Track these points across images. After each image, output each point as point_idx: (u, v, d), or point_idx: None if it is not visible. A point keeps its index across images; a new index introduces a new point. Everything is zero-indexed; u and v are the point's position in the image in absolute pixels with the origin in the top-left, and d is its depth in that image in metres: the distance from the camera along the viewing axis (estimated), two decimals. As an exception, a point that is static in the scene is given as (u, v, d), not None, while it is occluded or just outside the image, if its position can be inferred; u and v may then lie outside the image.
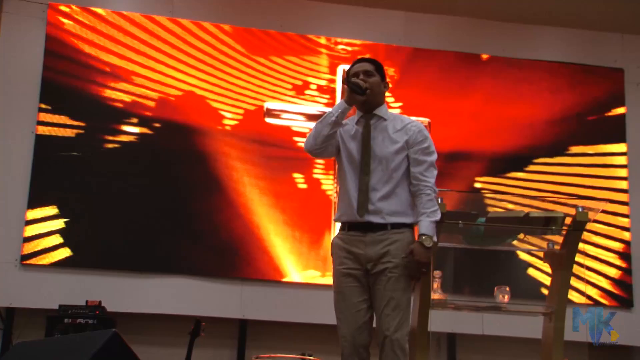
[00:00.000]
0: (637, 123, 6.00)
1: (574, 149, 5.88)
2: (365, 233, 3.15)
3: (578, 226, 3.49)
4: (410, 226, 3.19)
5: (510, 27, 6.07)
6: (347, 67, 5.70)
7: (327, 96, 5.68)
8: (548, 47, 6.09)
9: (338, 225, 3.36)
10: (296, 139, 5.57)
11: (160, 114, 5.45)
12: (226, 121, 5.53)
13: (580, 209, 3.49)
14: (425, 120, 5.63)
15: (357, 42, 5.82)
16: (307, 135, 3.31)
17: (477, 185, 5.71)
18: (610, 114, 5.99)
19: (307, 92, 5.67)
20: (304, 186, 5.49)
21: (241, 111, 5.56)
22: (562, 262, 3.55)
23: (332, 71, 5.74)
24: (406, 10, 5.94)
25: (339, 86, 5.69)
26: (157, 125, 5.43)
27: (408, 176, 3.18)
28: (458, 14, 6.02)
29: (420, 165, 3.18)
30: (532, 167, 5.83)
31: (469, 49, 5.95)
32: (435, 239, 3.11)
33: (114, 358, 2.43)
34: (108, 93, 5.39)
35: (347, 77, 3.21)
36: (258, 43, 5.69)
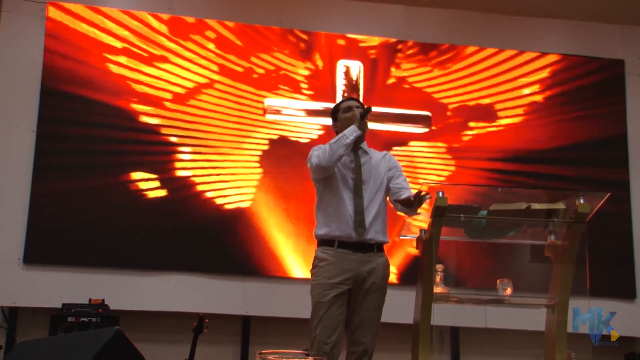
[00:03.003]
0: (637, 114, 5.99)
1: (577, 144, 5.90)
2: (355, 252, 3.53)
3: (580, 218, 3.48)
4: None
5: (510, 20, 6.06)
6: (347, 62, 5.80)
7: (327, 92, 5.68)
8: (548, 39, 6.08)
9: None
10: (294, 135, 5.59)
11: (160, 110, 5.45)
12: (226, 118, 5.53)
13: (581, 201, 3.47)
14: (427, 113, 5.65)
15: (358, 37, 5.81)
16: (315, 153, 3.59)
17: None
18: (610, 104, 5.99)
19: (306, 87, 5.66)
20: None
21: (242, 107, 5.57)
22: (565, 255, 3.54)
23: (332, 66, 5.73)
24: (406, 5, 5.94)
25: (339, 82, 5.68)
26: (158, 121, 5.43)
27: (385, 197, 3.68)
28: (458, 7, 6.00)
29: (401, 176, 3.74)
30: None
31: (469, 42, 5.94)
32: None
33: (117, 356, 2.43)
34: (108, 91, 5.39)
35: (360, 106, 3.68)
36: (258, 38, 5.68)
